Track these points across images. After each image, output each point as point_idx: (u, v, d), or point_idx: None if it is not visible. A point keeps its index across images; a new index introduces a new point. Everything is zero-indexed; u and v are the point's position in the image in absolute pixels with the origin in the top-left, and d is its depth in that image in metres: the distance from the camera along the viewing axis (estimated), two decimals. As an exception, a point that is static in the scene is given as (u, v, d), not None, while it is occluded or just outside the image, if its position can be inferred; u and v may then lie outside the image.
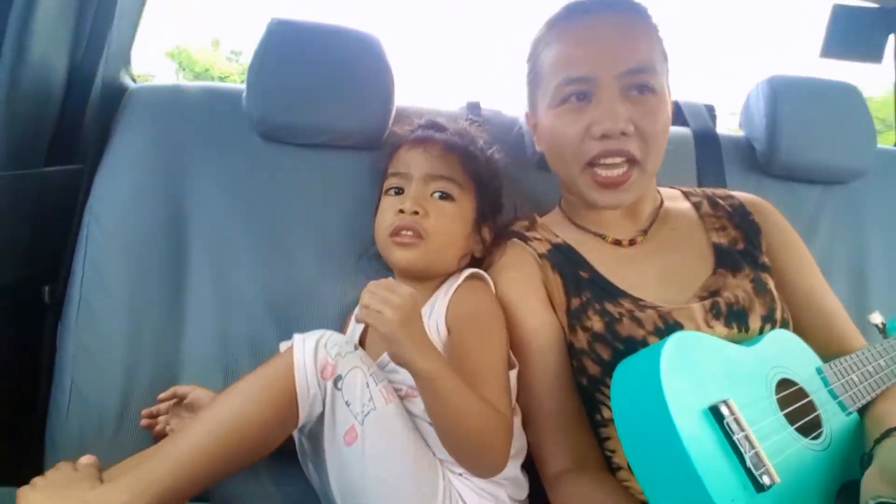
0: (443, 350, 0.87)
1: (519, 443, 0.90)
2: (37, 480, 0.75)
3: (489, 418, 0.78)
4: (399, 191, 0.98)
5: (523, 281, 0.93)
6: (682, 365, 0.66)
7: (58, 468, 0.77)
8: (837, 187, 1.36)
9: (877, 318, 0.90)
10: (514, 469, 0.88)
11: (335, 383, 0.78)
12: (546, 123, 0.93)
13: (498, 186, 1.04)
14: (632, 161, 0.87)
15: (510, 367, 0.90)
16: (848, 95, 1.34)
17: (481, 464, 0.80)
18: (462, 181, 0.98)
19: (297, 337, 0.81)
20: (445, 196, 0.96)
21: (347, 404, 0.78)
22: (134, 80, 1.23)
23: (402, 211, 0.94)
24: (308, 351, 0.78)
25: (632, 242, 0.96)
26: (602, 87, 0.86)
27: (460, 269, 0.98)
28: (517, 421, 0.91)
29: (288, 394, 0.77)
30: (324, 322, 1.07)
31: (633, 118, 0.86)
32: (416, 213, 0.93)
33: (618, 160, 0.87)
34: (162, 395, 0.95)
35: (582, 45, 0.89)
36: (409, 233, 0.93)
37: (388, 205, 0.98)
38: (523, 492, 0.90)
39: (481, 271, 0.96)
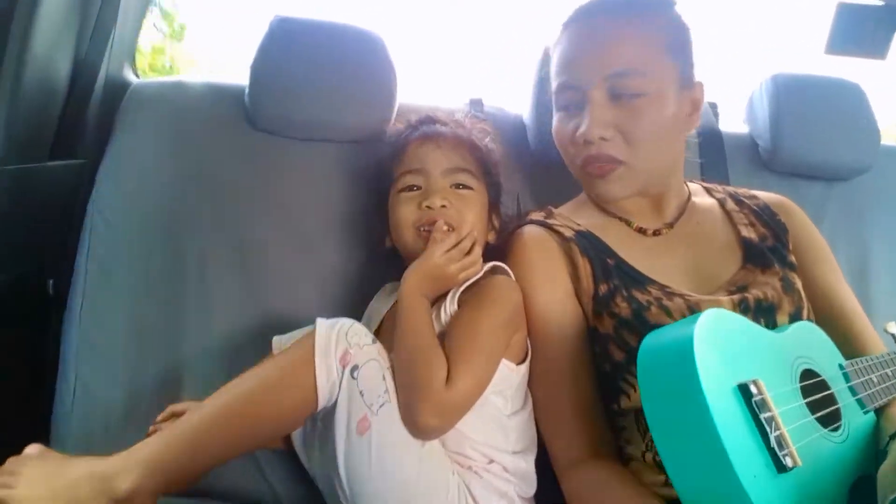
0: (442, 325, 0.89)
1: (528, 438, 0.90)
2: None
3: (430, 380, 0.78)
4: (415, 188, 0.97)
5: (544, 267, 0.93)
6: (713, 340, 0.66)
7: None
8: (840, 184, 1.37)
9: (894, 327, 0.88)
10: (523, 464, 0.88)
11: (351, 372, 0.79)
12: (552, 126, 0.98)
13: (498, 172, 1.05)
14: (616, 162, 0.89)
15: (520, 360, 0.90)
16: (851, 93, 1.35)
17: (407, 416, 0.79)
18: (475, 171, 0.98)
19: (319, 321, 0.83)
20: (465, 187, 0.97)
21: (362, 394, 0.79)
22: (137, 76, 1.22)
23: (429, 207, 0.93)
24: (330, 338, 0.80)
25: (656, 233, 0.96)
26: (587, 94, 0.89)
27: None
28: (527, 416, 0.90)
29: (306, 380, 0.78)
30: (326, 317, 1.06)
31: (618, 122, 0.88)
32: (444, 206, 0.93)
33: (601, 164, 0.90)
34: (160, 417, 0.94)
35: (573, 51, 0.91)
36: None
37: (407, 203, 0.96)
38: (531, 488, 0.90)
39: (501, 264, 0.95)
